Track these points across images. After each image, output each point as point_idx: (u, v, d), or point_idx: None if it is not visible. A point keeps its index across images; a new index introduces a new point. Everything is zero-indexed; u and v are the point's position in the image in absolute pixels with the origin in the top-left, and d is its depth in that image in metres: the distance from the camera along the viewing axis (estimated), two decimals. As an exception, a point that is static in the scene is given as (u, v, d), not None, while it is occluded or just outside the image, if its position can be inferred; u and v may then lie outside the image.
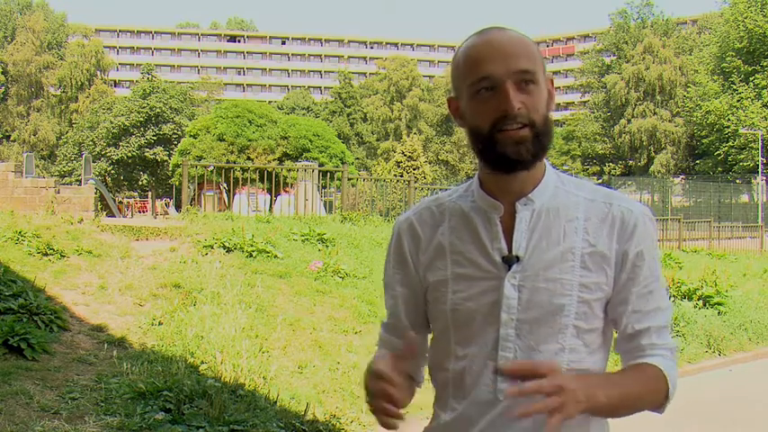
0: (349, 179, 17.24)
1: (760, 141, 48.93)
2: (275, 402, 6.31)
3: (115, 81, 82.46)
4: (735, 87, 52.00)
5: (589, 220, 1.61)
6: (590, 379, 1.52)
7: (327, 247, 11.36)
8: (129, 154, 52.62)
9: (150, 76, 58.24)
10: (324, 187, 19.86)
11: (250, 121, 34.19)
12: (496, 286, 1.59)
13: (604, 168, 64.94)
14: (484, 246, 1.62)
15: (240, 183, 17.12)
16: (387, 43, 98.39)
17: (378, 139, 73.31)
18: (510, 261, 1.59)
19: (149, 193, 55.35)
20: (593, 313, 1.60)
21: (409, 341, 1.57)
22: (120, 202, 40.96)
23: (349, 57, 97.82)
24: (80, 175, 31.05)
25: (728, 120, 51.55)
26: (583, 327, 1.59)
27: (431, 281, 1.67)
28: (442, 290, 1.65)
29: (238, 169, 18.71)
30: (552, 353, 1.57)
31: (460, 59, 1.60)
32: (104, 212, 15.41)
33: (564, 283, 1.57)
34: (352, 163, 36.59)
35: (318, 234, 11.73)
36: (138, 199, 53.52)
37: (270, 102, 60.29)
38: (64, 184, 32.25)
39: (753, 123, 50.10)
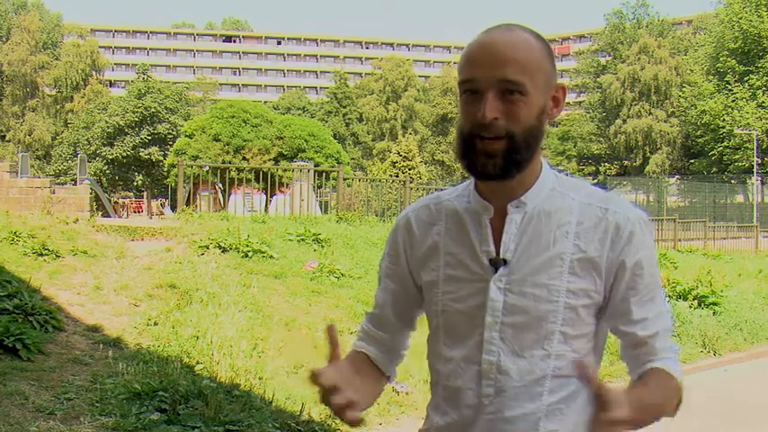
0: (345, 179, 17.25)
1: (755, 141, 48.99)
2: (271, 402, 6.31)
3: (110, 81, 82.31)
4: (730, 87, 52.04)
5: (582, 225, 1.57)
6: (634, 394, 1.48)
7: (323, 247, 11.35)
8: (124, 154, 52.53)
9: (146, 76, 58.11)
10: (319, 187, 19.87)
11: (245, 122, 34.17)
12: (483, 288, 1.58)
13: (600, 168, 64.94)
14: (473, 247, 1.60)
15: (236, 183, 17.13)
16: (382, 43, 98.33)
17: (373, 140, 73.23)
18: (497, 264, 1.57)
19: (145, 194, 55.24)
20: (580, 319, 1.57)
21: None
22: (116, 203, 40.93)
23: (344, 57, 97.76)
24: (75, 174, 30.96)
25: (723, 120, 51.58)
26: (570, 333, 1.56)
27: (424, 280, 1.67)
28: (434, 290, 1.65)
29: (234, 169, 18.71)
30: (538, 358, 1.55)
31: (462, 54, 1.58)
32: (100, 212, 15.41)
33: (551, 289, 1.55)
34: (348, 163, 36.58)
35: (314, 234, 11.72)
36: (133, 199, 53.41)
37: (265, 102, 60.18)
38: (59, 184, 32.23)
39: (748, 123, 50.15)
